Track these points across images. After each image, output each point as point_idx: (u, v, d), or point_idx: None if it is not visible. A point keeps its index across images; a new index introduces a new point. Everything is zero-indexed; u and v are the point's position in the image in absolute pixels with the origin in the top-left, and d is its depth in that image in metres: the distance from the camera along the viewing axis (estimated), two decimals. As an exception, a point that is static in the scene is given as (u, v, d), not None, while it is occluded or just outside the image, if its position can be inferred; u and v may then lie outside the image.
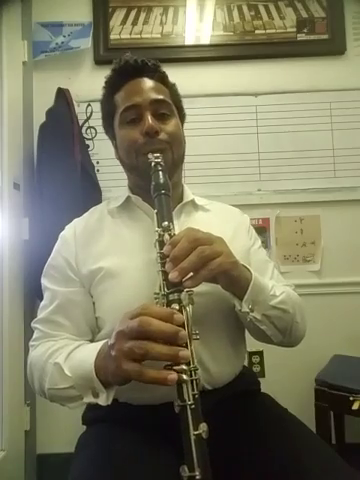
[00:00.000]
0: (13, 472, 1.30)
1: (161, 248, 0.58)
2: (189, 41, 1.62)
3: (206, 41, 1.62)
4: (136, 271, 0.69)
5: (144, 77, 0.75)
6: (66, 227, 0.80)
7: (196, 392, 0.49)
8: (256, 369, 1.48)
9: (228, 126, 1.59)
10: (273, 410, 0.75)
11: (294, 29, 1.63)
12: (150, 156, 0.69)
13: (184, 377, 0.48)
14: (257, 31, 1.63)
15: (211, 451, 0.49)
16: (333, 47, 1.63)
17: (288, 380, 1.46)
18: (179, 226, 0.72)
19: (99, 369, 0.57)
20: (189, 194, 0.83)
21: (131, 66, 0.74)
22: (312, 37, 1.63)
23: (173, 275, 0.53)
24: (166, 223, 0.60)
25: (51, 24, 1.59)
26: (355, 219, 1.59)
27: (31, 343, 0.73)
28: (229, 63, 1.61)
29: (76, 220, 0.81)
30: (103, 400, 0.57)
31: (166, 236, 0.58)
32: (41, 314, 0.75)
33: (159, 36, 1.62)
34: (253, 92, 1.61)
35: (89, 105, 1.60)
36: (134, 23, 1.62)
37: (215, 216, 0.83)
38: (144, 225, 0.75)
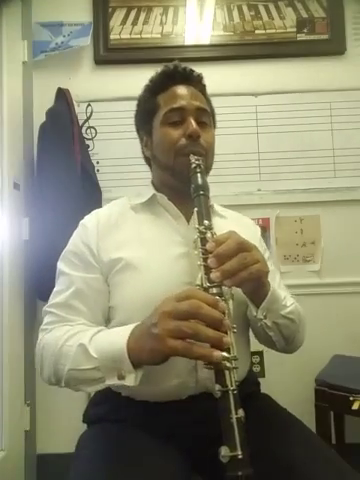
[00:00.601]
0: (13, 472, 1.30)
1: (203, 244, 0.60)
2: (189, 41, 1.62)
3: (206, 41, 1.62)
4: (155, 266, 0.71)
5: (190, 85, 0.79)
6: (87, 216, 0.81)
7: (237, 379, 0.51)
8: (256, 369, 1.48)
9: (228, 126, 1.59)
10: (273, 411, 0.76)
11: (294, 29, 1.63)
12: (192, 158, 0.72)
13: (227, 364, 0.50)
14: (257, 31, 1.63)
15: (213, 452, 0.49)
16: (333, 47, 1.63)
17: (288, 380, 1.46)
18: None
19: (132, 349, 0.56)
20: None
21: (179, 72, 0.79)
22: (312, 37, 1.63)
23: (215, 275, 0.56)
24: (207, 222, 0.63)
25: (51, 24, 1.59)
26: (355, 219, 1.59)
27: (44, 327, 0.71)
28: (229, 63, 1.61)
29: (98, 210, 0.82)
30: (132, 381, 0.56)
31: (208, 234, 0.61)
32: (56, 298, 0.73)
33: (159, 36, 1.62)
34: (253, 92, 1.61)
35: (89, 105, 1.60)
36: (134, 23, 1.62)
37: (232, 223, 0.83)
38: (166, 223, 0.77)
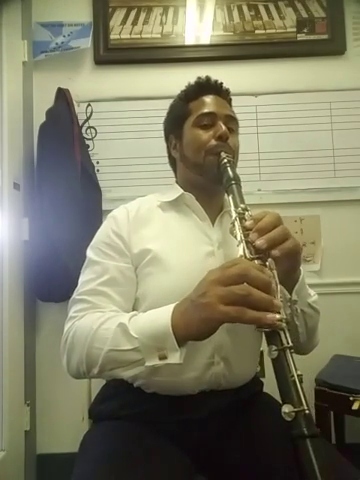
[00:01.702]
0: (13, 472, 1.30)
1: (242, 223, 0.62)
2: (189, 41, 1.62)
3: (206, 41, 1.62)
4: (182, 262, 0.72)
5: (219, 96, 0.85)
6: (115, 210, 0.82)
7: (290, 340, 0.50)
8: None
9: (228, 126, 1.59)
10: (275, 409, 0.76)
11: (294, 29, 1.63)
12: (223, 154, 0.76)
13: (282, 325, 0.50)
14: (257, 31, 1.63)
15: (219, 449, 0.49)
16: (333, 47, 1.63)
17: (288, 380, 1.46)
18: (222, 231, 0.79)
19: (177, 325, 0.55)
20: (228, 204, 0.87)
21: (211, 84, 0.85)
22: (312, 37, 1.63)
23: (260, 242, 0.57)
24: (243, 205, 0.65)
25: (51, 24, 1.59)
26: (355, 219, 1.59)
27: (73, 315, 0.70)
28: (229, 63, 1.61)
29: (126, 205, 0.83)
30: (176, 358, 0.55)
31: (246, 214, 0.64)
32: (87, 286, 0.72)
33: (159, 36, 1.62)
34: (253, 92, 1.61)
35: (89, 105, 1.60)
36: (134, 23, 1.62)
37: None
38: (193, 223, 0.80)
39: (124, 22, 1.63)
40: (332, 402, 1.17)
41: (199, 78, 0.86)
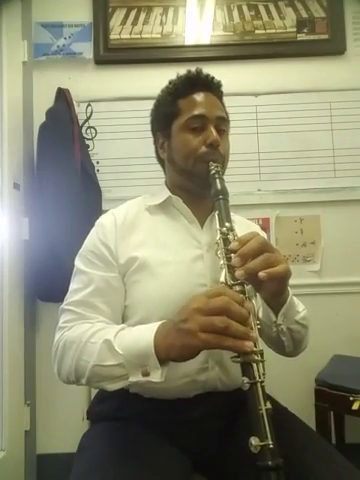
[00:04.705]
0: (13, 472, 1.30)
1: (225, 245, 0.62)
2: (189, 41, 1.62)
3: (206, 41, 1.62)
4: (171, 267, 0.72)
5: (210, 92, 0.81)
6: (103, 216, 0.81)
7: (264, 372, 0.53)
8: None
9: (228, 126, 1.59)
10: (274, 409, 0.76)
11: (294, 29, 1.63)
12: (211, 164, 0.75)
13: (255, 357, 0.53)
14: (257, 31, 1.63)
15: (218, 449, 0.49)
16: (333, 47, 1.63)
17: (288, 380, 1.46)
18: (212, 233, 0.77)
19: (160, 346, 0.56)
20: None
21: (201, 79, 0.81)
22: (312, 37, 1.63)
23: (239, 273, 0.57)
24: (228, 224, 0.65)
25: (51, 24, 1.60)
26: (355, 219, 1.59)
27: (62, 325, 0.71)
28: (229, 63, 1.61)
29: (114, 210, 0.82)
30: (158, 377, 0.56)
31: (230, 235, 0.63)
32: (74, 297, 0.72)
33: (159, 36, 1.62)
34: (253, 92, 1.61)
35: (89, 105, 1.60)
36: (134, 23, 1.62)
37: (241, 227, 0.85)
38: (181, 226, 0.79)
39: (124, 22, 1.63)
40: (332, 402, 1.17)
41: (189, 72, 0.82)
